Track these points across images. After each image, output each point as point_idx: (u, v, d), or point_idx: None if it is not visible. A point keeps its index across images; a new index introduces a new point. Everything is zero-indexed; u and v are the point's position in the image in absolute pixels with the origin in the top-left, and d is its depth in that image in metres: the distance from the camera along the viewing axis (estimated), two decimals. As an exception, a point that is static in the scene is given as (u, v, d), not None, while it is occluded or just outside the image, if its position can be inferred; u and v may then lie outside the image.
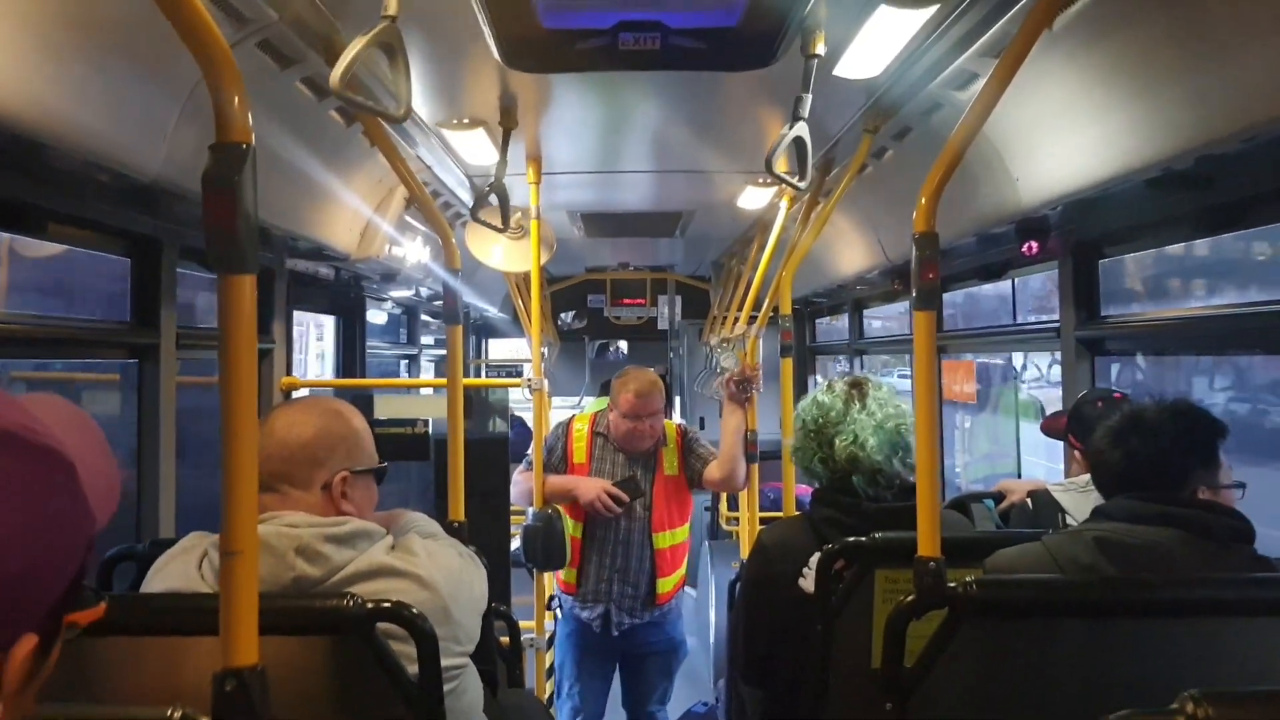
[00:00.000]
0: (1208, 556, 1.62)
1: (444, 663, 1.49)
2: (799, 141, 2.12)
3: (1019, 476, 6.29)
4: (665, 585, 3.53)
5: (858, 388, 2.19)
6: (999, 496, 2.74)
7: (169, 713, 1.00)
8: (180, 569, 1.54)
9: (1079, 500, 2.48)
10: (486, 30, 1.96)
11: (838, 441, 2.11)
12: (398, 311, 6.37)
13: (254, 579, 1.11)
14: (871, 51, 2.26)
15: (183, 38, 1.04)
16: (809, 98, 2.09)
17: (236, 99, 1.06)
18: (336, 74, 1.58)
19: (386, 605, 1.38)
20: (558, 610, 3.67)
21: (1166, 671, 1.49)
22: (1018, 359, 8.25)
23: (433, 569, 1.57)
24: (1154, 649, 1.54)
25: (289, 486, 1.57)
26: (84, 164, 2.02)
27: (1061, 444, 2.79)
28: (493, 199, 2.97)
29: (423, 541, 1.64)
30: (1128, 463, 1.75)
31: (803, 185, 2.24)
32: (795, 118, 2.09)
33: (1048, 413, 3.36)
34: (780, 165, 2.15)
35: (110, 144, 2.00)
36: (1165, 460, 1.73)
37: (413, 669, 1.42)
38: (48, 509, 0.66)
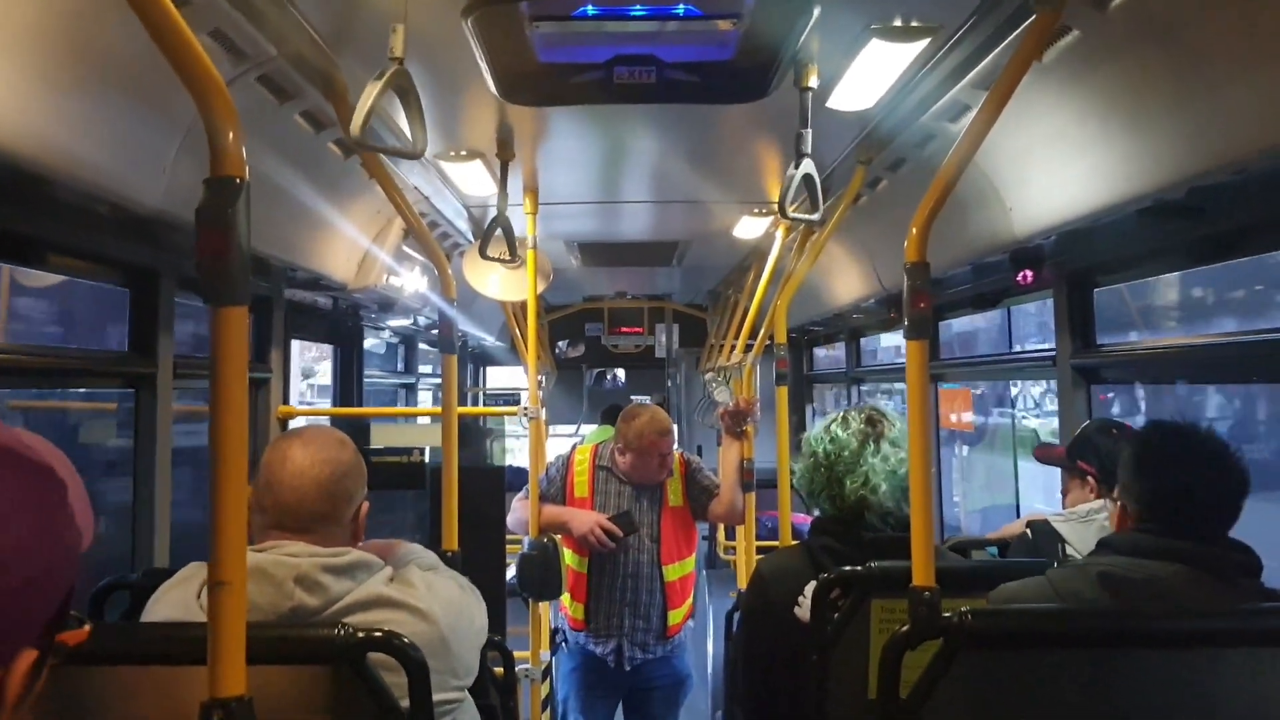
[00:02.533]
0: (1213, 592, 1.60)
1: (441, 696, 1.48)
2: (808, 178, 2.14)
3: (1017, 505, 6.26)
4: (675, 617, 3.52)
5: (874, 426, 2.12)
6: (1004, 544, 2.73)
7: (157, 744, 0.99)
8: (178, 598, 1.54)
9: (1080, 530, 2.47)
10: (484, 64, 1.99)
11: (848, 482, 2.08)
12: (395, 340, 6.38)
13: (242, 609, 1.10)
14: (864, 84, 2.29)
15: (178, 73, 1.06)
16: (809, 134, 2.11)
17: (231, 134, 1.07)
18: (356, 124, 1.62)
19: (378, 635, 1.37)
20: (563, 644, 3.65)
21: (1165, 703, 1.49)
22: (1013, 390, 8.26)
23: (431, 601, 1.57)
24: (1152, 680, 1.53)
25: (327, 526, 1.57)
26: (85, 196, 2.03)
27: (1058, 474, 2.79)
28: (498, 232, 2.99)
29: (422, 574, 1.63)
30: (1187, 498, 1.67)
31: (816, 218, 2.25)
32: (799, 154, 2.11)
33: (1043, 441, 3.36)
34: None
35: (110, 177, 2.02)
36: (1227, 496, 1.67)
37: (406, 701, 1.42)
38: (46, 524, 0.67)
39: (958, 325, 4.71)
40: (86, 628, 0.75)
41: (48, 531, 0.67)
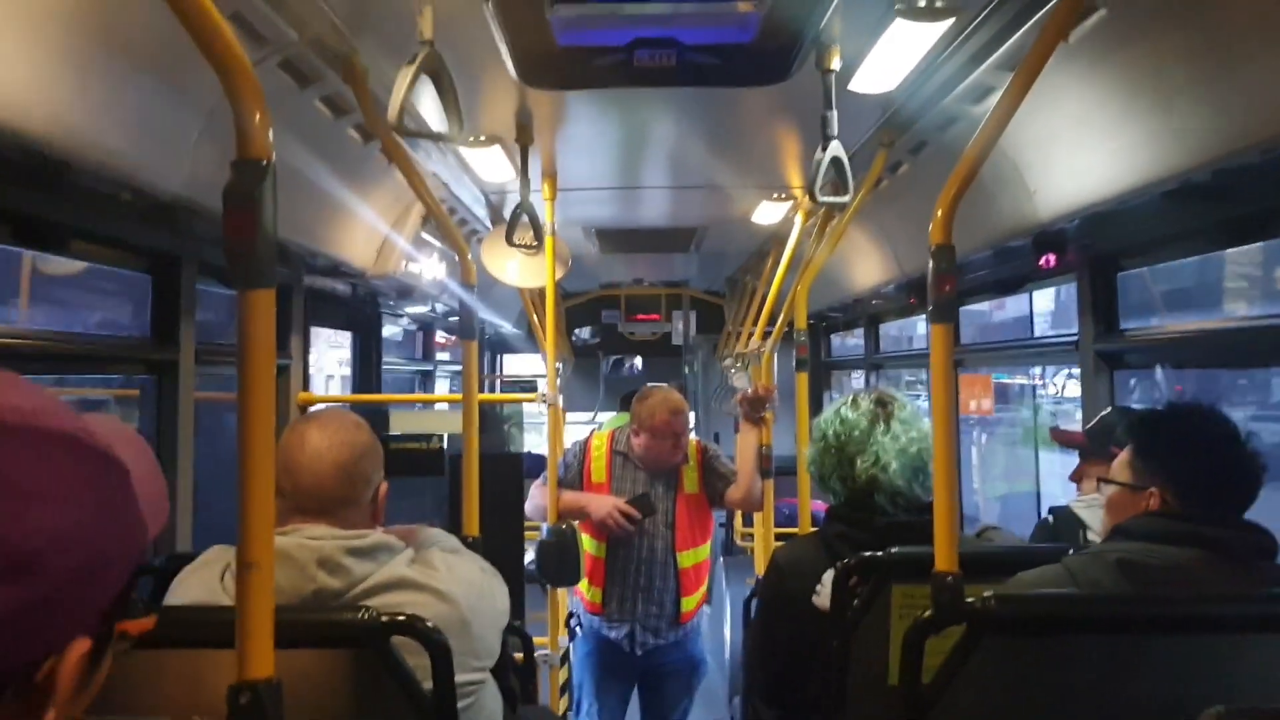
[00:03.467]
0: (1231, 576, 1.59)
1: (462, 677, 1.49)
2: (835, 161, 2.12)
3: (1038, 492, 6.24)
4: (689, 604, 3.52)
5: (883, 406, 2.13)
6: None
7: (185, 725, 1.00)
8: (202, 582, 1.55)
9: (1101, 515, 2.45)
10: (503, 48, 1.98)
11: (859, 461, 2.08)
12: (413, 328, 6.39)
13: (270, 592, 1.11)
14: (887, 66, 2.26)
15: (205, 54, 1.05)
16: (834, 115, 2.10)
17: (257, 115, 1.07)
18: (394, 110, 1.62)
19: (401, 618, 1.38)
20: (577, 629, 3.66)
21: (1187, 688, 1.47)
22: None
23: (452, 582, 1.57)
24: (1174, 666, 1.52)
25: (346, 509, 1.58)
26: (107, 181, 2.05)
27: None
28: (523, 218, 2.99)
29: (443, 555, 1.64)
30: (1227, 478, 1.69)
31: (846, 199, 2.24)
32: (826, 138, 2.10)
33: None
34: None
35: (132, 162, 2.03)
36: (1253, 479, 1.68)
37: (429, 683, 1.42)
38: (104, 508, 0.66)
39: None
40: (153, 617, 0.74)
41: (106, 516, 0.66)
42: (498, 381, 8.79)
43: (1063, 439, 2.82)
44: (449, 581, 1.57)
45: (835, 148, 2.11)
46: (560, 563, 3.37)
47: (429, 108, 2.04)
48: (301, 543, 1.49)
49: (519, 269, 3.68)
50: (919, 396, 6.03)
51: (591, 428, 5.92)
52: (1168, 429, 1.80)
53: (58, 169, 1.86)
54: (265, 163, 1.07)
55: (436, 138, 1.96)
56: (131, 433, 0.80)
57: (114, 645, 0.69)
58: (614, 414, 6.50)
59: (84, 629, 0.64)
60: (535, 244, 3.11)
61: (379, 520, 1.66)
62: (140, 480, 0.71)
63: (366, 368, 5.00)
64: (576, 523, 3.48)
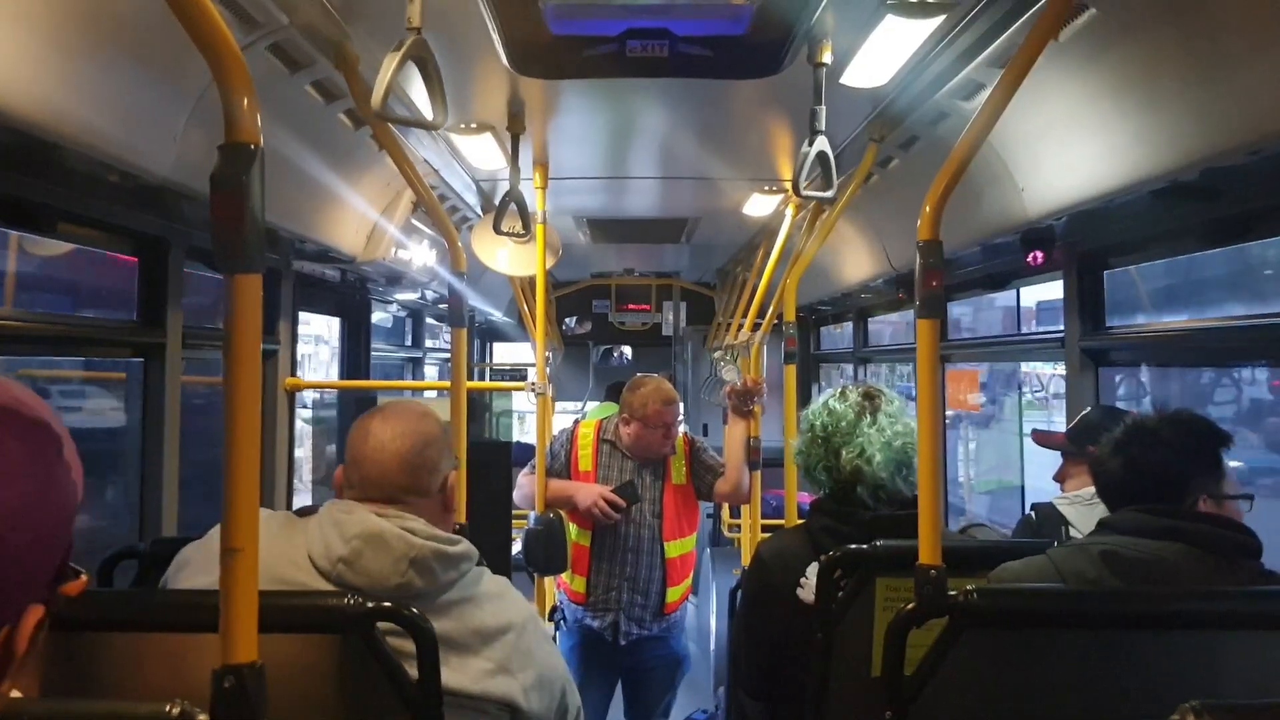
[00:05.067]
0: (1213, 572, 1.61)
1: (480, 687, 1.51)
2: (821, 156, 2.13)
3: (1022, 486, 6.27)
4: (674, 594, 3.53)
5: (871, 400, 2.16)
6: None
7: (167, 708, 1.00)
8: (205, 560, 1.54)
9: (1084, 513, 2.47)
10: (495, 36, 1.97)
11: (844, 453, 2.10)
12: (403, 314, 6.38)
13: (254, 576, 1.11)
14: (878, 61, 2.27)
15: (193, 38, 1.05)
16: (823, 110, 2.10)
17: (246, 100, 1.07)
18: (378, 96, 1.61)
19: (386, 605, 1.38)
20: (561, 621, 3.67)
21: (1168, 683, 1.49)
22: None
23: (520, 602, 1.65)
24: (1156, 661, 1.54)
25: (415, 496, 1.60)
26: (95, 164, 2.03)
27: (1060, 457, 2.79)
28: (511, 206, 2.98)
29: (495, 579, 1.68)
30: (1127, 470, 1.76)
31: (830, 195, 2.25)
32: (814, 132, 2.11)
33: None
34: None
35: (121, 145, 2.01)
36: (1165, 468, 1.73)
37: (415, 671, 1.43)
38: (47, 480, 0.67)
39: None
40: (84, 577, 0.75)
41: (49, 487, 0.68)
42: (487, 370, 8.78)
43: (1044, 441, 2.84)
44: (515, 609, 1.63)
45: (821, 142, 2.11)
46: (548, 551, 3.38)
47: (419, 94, 2.03)
48: (400, 533, 1.49)
49: (509, 257, 3.68)
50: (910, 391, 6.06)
51: (576, 417, 5.91)
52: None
53: (46, 151, 1.85)
54: (253, 147, 1.07)
55: (420, 125, 1.95)
56: (43, 401, 0.81)
57: (55, 606, 0.71)
58: (599, 404, 6.50)
59: (38, 596, 0.66)
60: (523, 232, 3.10)
61: (451, 509, 1.69)
62: (67, 449, 0.73)
63: (355, 354, 4.99)
64: (564, 511, 3.48)
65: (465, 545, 1.58)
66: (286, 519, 1.62)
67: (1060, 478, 2.73)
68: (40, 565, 0.66)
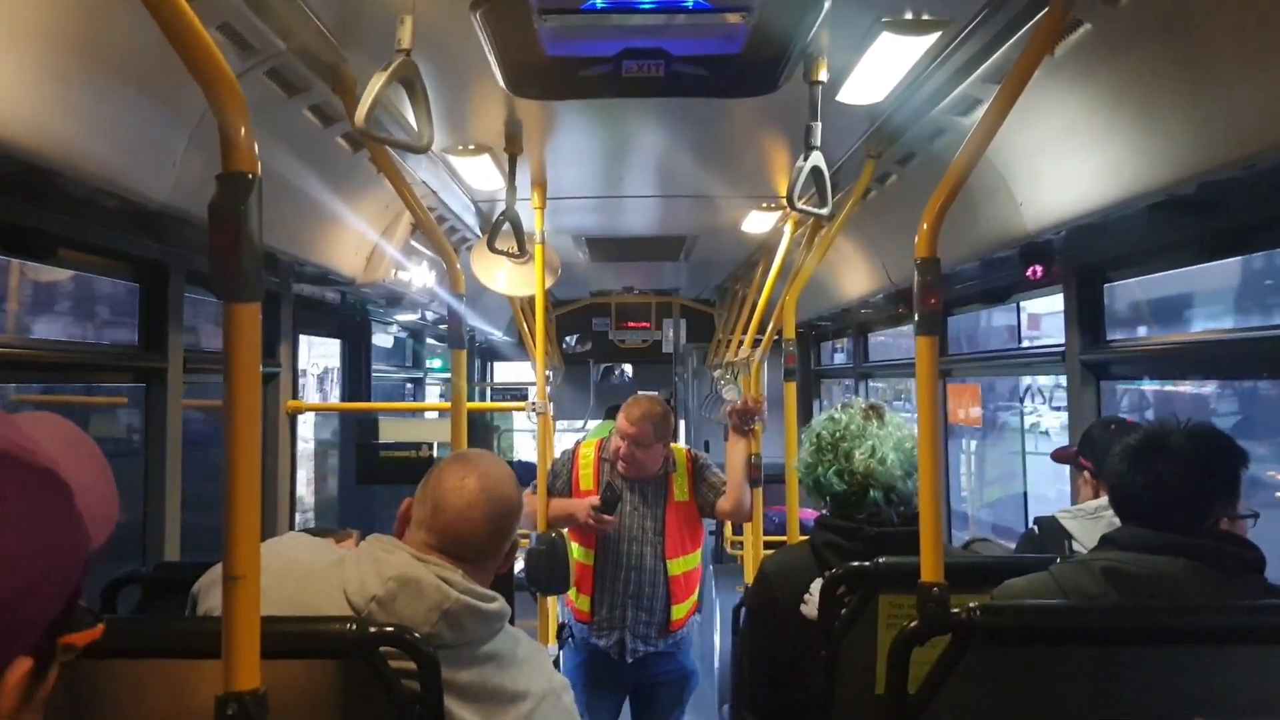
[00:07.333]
0: (1217, 587, 1.60)
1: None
2: (816, 171, 2.14)
3: (1025, 500, 6.27)
4: (679, 612, 3.52)
5: (874, 408, 2.19)
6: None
7: (170, 737, 1.00)
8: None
9: (1087, 527, 2.46)
10: (492, 58, 1.98)
11: (856, 454, 2.10)
12: (403, 335, 6.39)
13: (256, 603, 1.11)
14: (874, 78, 2.28)
15: (189, 68, 1.06)
16: (818, 126, 2.11)
17: (242, 129, 1.07)
18: (361, 114, 1.61)
19: (389, 629, 1.37)
20: (569, 639, 3.65)
21: (1171, 698, 1.48)
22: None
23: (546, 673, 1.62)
24: (1159, 676, 1.53)
25: (487, 560, 1.60)
26: (93, 190, 2.04)
27: (1068, 469, 2.79)
28: (506, 226, 2.99)
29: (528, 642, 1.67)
30: (1155, 491, 1.69)
31: (825, 212, 2.25)
32: (809, 148, 2.11)
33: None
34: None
35: (119, 171, 2.02)
36: (1192, 491, 1.68)
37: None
38: (43, 531, 0.65)
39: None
40: (100, 626, 0.73)
41: (47, 537, 0.65)
42: (488, 389, 8.78)
43: (1061, 458, 2.85)
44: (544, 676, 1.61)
45: (816, 158, 2.12)
46: (550, 571, 3.37)
47: (413, 116, 2.04)
48: (436, 583, 1.47)
49: (508, 277, 3.69)
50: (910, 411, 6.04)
51: (578, 436, 5.92)
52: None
53: (45, 178, 1.86)
54: (251, 176, 1.07)
55: (409, 147, 1.96)
56: (76, 432, 0.79)
57: (60, 657, 0.69)
58: (599, 422, 6.50)
59: (25, 648, 0.64)
60: (519, 252, 3.11)
61: (507, 568, 1.69)
62: (86, 488, 0.70)
63: (356, 375, 4.99)
64: (565, 530, 3.47)
65: (500, 604, 1.54)
66: (327, 547, 1.61)
67: (1076, 491, 2.74)
68: (29, 618, 0.64)
